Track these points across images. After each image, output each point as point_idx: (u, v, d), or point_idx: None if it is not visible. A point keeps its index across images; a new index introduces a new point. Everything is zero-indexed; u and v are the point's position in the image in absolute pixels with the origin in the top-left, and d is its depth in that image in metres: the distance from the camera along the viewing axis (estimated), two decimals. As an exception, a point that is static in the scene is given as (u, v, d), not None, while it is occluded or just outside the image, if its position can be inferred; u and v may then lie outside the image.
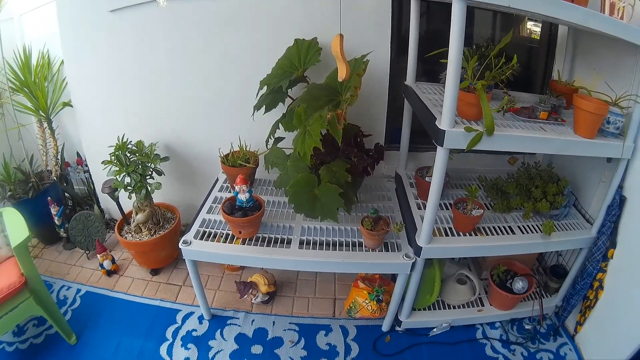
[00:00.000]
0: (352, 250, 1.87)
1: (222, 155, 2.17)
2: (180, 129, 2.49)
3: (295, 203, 1.82)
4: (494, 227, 1.93)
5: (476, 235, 1.87)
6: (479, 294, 2.17)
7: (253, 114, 2.01)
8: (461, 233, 1.88)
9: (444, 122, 1.48)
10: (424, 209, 1.93)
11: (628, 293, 1.79)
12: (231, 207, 1.88)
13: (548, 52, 2.27)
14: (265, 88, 1.99)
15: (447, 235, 1.87)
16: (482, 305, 2.19)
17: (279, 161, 1.93)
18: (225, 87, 2.30)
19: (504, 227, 1.94)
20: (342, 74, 1.57)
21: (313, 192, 1.81)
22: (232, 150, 2.20)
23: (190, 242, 1.88)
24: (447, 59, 1.38)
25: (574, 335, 2.14)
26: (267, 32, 2.13)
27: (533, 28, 2.32)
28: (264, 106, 1.98)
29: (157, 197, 2.51)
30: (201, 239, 1.92)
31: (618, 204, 1.83)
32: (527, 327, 2.19)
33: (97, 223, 2.66)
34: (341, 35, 1.55)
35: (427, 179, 2.03)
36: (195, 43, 2.22)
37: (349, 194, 1.87)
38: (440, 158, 1.55)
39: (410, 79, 2.05)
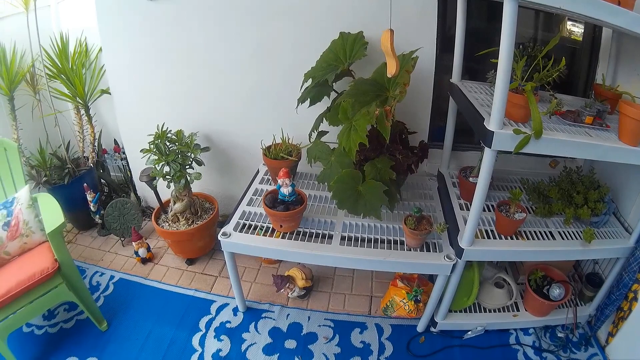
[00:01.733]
0: (392, 249, 1.89)
1: (264, 147, 2.18)
2: (220, 119, 2.55)
3: (338, 199, 1.83)
4: (534, 232, 1.95)
5: (517, 239, 1.88)
6: (515, 299, 2.16)
7: (297, 107, 2.07)
8: (503, 236, 1.87)
9: (492, 123, 1.51)
10: (467, 209, 1.94)
11: None
12: (273, 200, 1.88)
13: (591, 54, 2.27)
14: (310, 81, 2.04)
15: (488, 237, 1.90)
16: (517, 310, 2.22)
17: (322, 155, 1.94)
18: (267, 78, 2.34)
19: (544, 231, 1.96)
20: (391, 70, 1.62)
21: (357, 189, 1.83)
22: (274, 143, 2.22)
23: (230, 234, 1.90)
24: (496, 58, 1.42)
25: (605, 347, 2.13)
26: (311, 23, 2.17)
27: (573, 29, 2.33)
28: (309, 99, 2.03)
29: (196, 187, 2.55)
30: (241, 231, 1.94)
31: (663, 213, 1.81)
32: (559, 335, 2.18)
33: (133, 211, 2.68)
34: (391, 31, 1.58)
35: (470, 179, 2.04)
36: (235, 33, 2.25)
37: (393, 191, 1.89)
38: (487, 159, 1.58)
39: (456, 76, 2.09)
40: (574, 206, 1.97)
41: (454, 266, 1.84)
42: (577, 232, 1.97)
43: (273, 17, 2.18)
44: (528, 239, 1.89)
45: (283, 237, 1.92)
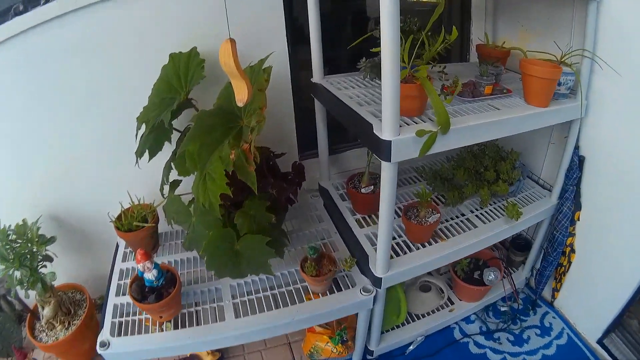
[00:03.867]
0: (298, 299, 1.46)
1: (113, 220, 1.64)
2: (63, 193, 1.81)
3: (214, 268, 1.37)
4: (451, 226, 1.62)
5: (436, 242, 1.55)
6: (447, 296, 1.89)
7: (137, 163, 1.50)
8: (419, 245, 1.55)
9: (386, 130, 1.09)
10: (367, 225, 1.60)
11: (601, 251, 1.66)
12: (140, 290, 1.41)
13: (462, 14, 1.92)
14: (144, 127, 1.48)
15: (404, 252, 1.51)
16: (452, 303, 1.91)
17: (181, 217, 1.46)
18: (99, 135, 1.68)
19: (462, 222, 1.65)
20: (241, 97, 1.09)
21: (234, 249, 1.38)
22: (123, 210, 1.66)
23: (109, 344, 1.38)
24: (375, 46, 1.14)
25: (553, 302, 1.97)
26: (132, 52, 1.55)
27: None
28: (147, 150, 1.49)
29: (60, 277, 1.90)
30: (119, 334, 1.42)
31: (577, 165, 1.61)
32: (503, 309, 1.96)
33: (8, 324, 2.04)
34: (232, 41, 1.03)
35: (363, 190, 1.65)
36: (46, 86, 1.53)
37: (278, 237, 1.47)
38: (387, 174, 1.17)
39: (317, 75, 1.62)
40: (487, 183, 1.70)
41: (375, 297, 1.46)
42: (497, 208, 1.70)
43: (84, 58, 1.50)
44: (448, 236, 1.57)
45: (169, 328, 1.41)
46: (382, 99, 1.05)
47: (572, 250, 1.78)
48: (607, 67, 1.38)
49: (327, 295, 1.47)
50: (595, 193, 1.64)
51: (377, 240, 1.40)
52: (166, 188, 1.55)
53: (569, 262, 1.81)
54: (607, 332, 1.71)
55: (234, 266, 1.39)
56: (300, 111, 1.87)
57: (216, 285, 1.54)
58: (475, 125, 1.21)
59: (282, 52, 1.69)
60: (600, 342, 1.74)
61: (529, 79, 1.33)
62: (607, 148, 1.53)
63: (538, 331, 1.87)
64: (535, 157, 1.87)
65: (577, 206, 1.70)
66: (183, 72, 1.48)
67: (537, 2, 1.65)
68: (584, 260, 1.75)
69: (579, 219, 1.72)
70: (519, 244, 2.00)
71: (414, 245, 1.53)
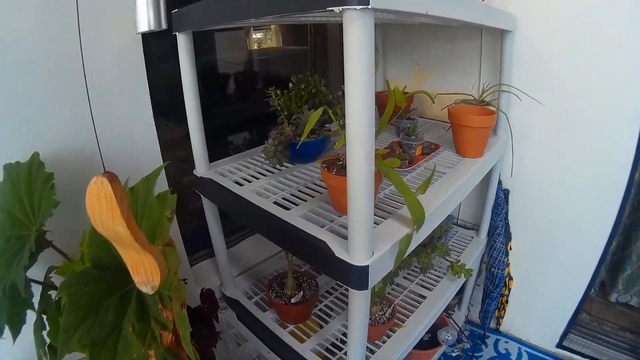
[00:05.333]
0: None
1: None
2: None
3: None
4: (400, 307, 1.35)
5: (394, 332, 1.26)
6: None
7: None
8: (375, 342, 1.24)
9: (358, 251, 0.74)
10: (308, 337, 1.24)
11: (540, 268, 1.62)
12: None
13: (340, 54, 1.68)
14: None
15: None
16: None
17: None
18: None
19: (408, 297, 1.39)
20: (145, 279, 0.60)
21: None
22: None
23: None
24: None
25: (499, 328, 1.88)
26: None
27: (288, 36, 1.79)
28: (7, 326, 0.88)
29: None
30: None
31: (503, 199, 1.48)
32: (455, 354, 1.78)
33: None
34: (111, 178, 0.49)
35: (293, 300, 1.26)
36: None
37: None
38: (360, 304, 0.81)
39: (202, 166, 1.17)
40: (423, 247, 1.49)
41: None
42: (435, 269, 1.50)
43: None
44: (403, 320, 1.31)
45: None
46: (348, 214, 0.70)
47: (510, 278, 1.71)
48: (525, 98, 1.27)
49: None
50: (523, 220, 1.57)
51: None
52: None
53: (509, 289, 1.73)
54: (564, 335, 1.68)
55: None
56: (182, 213, 1.40)
57: None
58: (440, 204, 0.95)
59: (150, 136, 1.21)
60: (560, 345, 1.70)
61: (464, 130, 1.13)
62: (530, 176, 1.46)
63: (498, 360, 1.74)
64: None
65: (509, 237, 1.60)
66: (26, 195, 0.92)
67: (435, 38, 1.50)
68: (523, 282, 1.69)
69: (511, 248, 1.64)
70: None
71: (374, 345, 1.22)
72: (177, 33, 0.98)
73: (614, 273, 1.82)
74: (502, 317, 1.82)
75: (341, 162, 0.87)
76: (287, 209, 0.94)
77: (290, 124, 1.14)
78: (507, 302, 1.76)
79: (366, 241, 0.72)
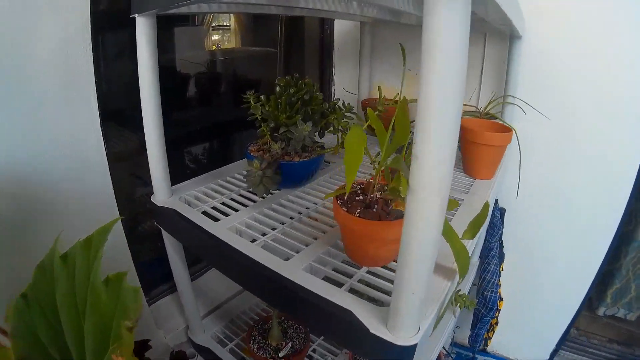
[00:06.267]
0: None
1: None
2: None
3: None
4: None
5: None
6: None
7: None
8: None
9: (402, 328, 0.53)
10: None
11: (531, 287, 1.56)
12: None
13: (322, 61, 1.48)
14: None
15: None
16: None
17: None
18: None
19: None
20: None
21: None
22: None
23: None
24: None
25: (486, 349, 1.80)
26: None
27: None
28: None
29: None
30: None
31: (499, 219, 1.36)
32: (444, 378, 1.65)
33: None
34: None
35: (282, 354, 1.04)
36: None
37: None
38: None
39: (162, 193, 0.92)
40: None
41: None
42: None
43: None
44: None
45: None
46: (397, 281, 0.56)
47: (500, 299, 1.58)
48: (530, 112, 1.14)
49: None
50: (516, 240, 1.48)
51: None
52: None
53: (498, 310, 1.61)
54: (554, 353, 1.62)
55: None
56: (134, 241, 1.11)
57: None
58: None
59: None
60: (550, 362, 1.62)
61: (479, 149, 0.97)
62: (528, 193, 1.35)
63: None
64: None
65: (502, 259, 1.48)
66: None
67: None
68: (513, 301, 1.61)
69: (503, 269, 1.52)
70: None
71: None
72: (136, 15, 0.73)
73: (602, 287, 1.76)
74: (490, 338, 1.71)
75: (361, 198, 0.66)
76: (285, 258, 0.72)
77: (277, 140, 0.92)
78: (496, 323, 1.65)
79: (416, 314, 0.53)
